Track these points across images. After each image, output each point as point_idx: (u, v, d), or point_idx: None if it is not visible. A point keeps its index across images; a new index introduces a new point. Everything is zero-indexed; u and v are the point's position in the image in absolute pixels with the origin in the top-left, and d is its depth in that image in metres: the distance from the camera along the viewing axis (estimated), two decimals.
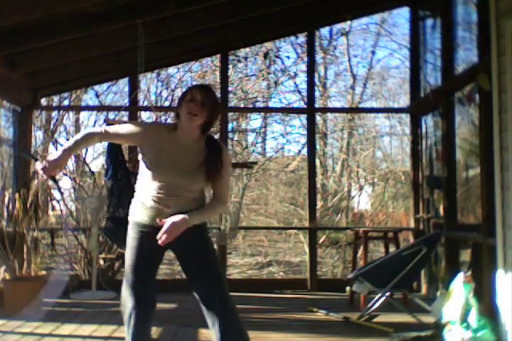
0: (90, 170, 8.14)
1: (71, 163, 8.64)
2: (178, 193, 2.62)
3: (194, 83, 9.48)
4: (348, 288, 5.08)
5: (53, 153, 2.53)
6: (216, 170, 2.63)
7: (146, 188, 2.69)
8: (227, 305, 2.68)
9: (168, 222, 2.54)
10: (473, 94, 4.64)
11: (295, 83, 9.94)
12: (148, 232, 2.65)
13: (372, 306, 4.51)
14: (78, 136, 2.64)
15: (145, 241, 2.68)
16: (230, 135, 9.18)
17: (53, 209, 8.09)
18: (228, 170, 2.74)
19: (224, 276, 2.83)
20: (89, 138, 2.66)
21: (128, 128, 2.70)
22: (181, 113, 2.61)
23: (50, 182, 2.50)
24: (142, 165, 2.74)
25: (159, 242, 2.54)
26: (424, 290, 5.71)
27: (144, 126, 2.76)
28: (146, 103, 8.55)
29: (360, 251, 5.77)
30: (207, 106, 2.59)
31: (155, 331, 4.03)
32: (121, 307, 2.75)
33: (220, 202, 2.72)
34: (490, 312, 3.75)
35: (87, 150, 8.71)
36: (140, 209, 2.71)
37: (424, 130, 6.00)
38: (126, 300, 2.71)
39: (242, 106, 9.23)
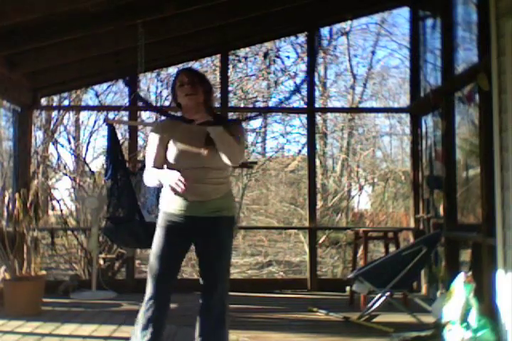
0: (90, 170, 8.15)
1: (71, 163, 8.66)
2: (201, 176, 2.69)
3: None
4: (348, 288, 5.08)
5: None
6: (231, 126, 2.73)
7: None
8: (213, 309, 2.78)
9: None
10: (472, 94, 4.64)
11: (295, 83, 9.93)
12: (176, 222, 2.75)
13: (372, 306, 4.51)
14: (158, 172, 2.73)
15: (173, 231, 2.76)
16: None
17: (53, 209, 8.09)
18: (241, 131, 2.82)
19: (223, 280, 2.82)
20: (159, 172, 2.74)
21: (152, 138, 2.82)
22: (180, 100, 2.78)
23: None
24: (169, 160, 2.79)
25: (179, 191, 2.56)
26: (424, 290, 5.71)
27: (157, 127, 2.90)
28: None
29: (360, 251, 5.77)
30: (198, 84, 2.76)
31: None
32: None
33: (239, 144, 2.74)
34: (490, 312, 3.75)
35: (87, 150, 8.73)
36: (169, 200, 2.77)
37: (424, 130, 6.00)
38: (148, 289, 2.76)
39: (242, 106, 9.22)
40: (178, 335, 4.01)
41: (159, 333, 2.77)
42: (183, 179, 2.54)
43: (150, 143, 2.82)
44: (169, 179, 2.58)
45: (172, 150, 2.75)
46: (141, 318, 2.75)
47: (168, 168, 2.76)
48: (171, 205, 2.77)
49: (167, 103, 9.09)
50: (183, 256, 2.88)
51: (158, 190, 3.35)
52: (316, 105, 7.36)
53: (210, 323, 2.81)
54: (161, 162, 2.79)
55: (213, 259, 2.80)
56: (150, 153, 2.81)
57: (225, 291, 2.83)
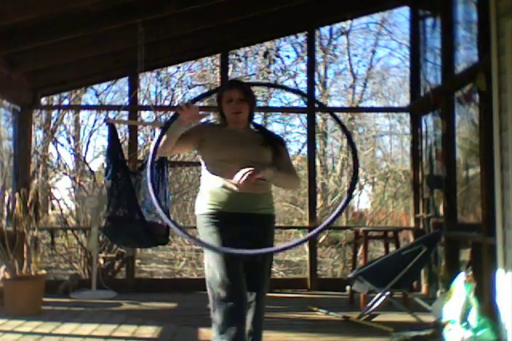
0: (90, 169, 8.16)
1: (71, 163, 8.67)
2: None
3: (194, 83, 9.50)
4: (348, 288, 5.08)
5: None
6: (279, 145, 2.87)
7: (215, 176, 2.75)
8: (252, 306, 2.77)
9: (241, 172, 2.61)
10: (471, 93, 4.64)
11: (295, 82, 9.94)
12: (224, 220, 2.71)
13: (372, 305, 4.51)
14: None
15: (225, 230, 2.71)
16: None
17: (53, 208, 8.10)
18: (287, 152, 2.95)
19: (263, 285, 2.87)
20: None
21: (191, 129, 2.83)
22: (226, 113, 2.84)
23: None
24: (207, 158, 2.82)
25: (239, 181, 2.57)
26: (424, 289, 5.71)
27: (200, 126, 2.94)
28: (146, 102, 8.55)
29: (360, 251, 5.76)
30: (245, 101, 2.81)
31: (155, 331, 4.05)
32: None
33: (293, 173, 2.88)
34: (490, 311, 3.75)
35: (87, 149, 8.73)
36: (211, 198, 2.74)
37: (424, 129, 6.00)
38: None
39: None
40: (178, 335, 4.01)
41: None
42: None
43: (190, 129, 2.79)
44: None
45: (218, 148, 2.76)
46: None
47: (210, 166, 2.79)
48: (211, 204, 2.76)
49: (167, 103, 9.10)
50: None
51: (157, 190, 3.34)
52: (316, 105, 7.35)
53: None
54: (172, 146, 2.69)
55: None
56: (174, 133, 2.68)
57: None
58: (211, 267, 2.67)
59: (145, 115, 8.47)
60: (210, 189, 2.75)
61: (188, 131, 2.75)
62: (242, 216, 2.71)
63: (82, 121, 9.32)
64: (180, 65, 8.62)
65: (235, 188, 2.67)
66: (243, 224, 2.71)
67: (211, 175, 2.77)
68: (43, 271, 4.99)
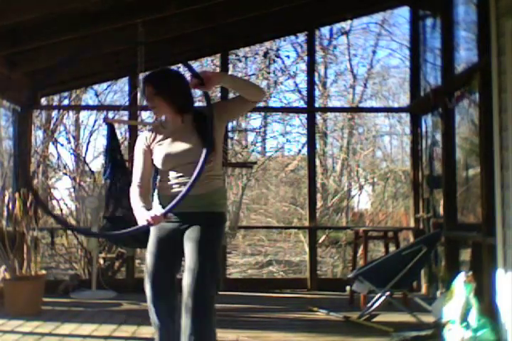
0: (90, 169, 8.15)
1: (71, 163, 8.66)
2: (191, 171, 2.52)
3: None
4: (348, 288, 5.08)
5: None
6: (214, 114, 2.58)
7: (165, 181, 2.70)
8: (189, 301, 2.54)
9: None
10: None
11: (295, 82, 9.94)
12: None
13: (372, 306, 4.51)
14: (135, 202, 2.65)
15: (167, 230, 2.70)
16: (230, 134, 9.17)
17: (53, 208, 8.09)
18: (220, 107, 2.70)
19: (204, 275, 2.56)
20: (143, 194, 2.68)
21: (137, 153, 2.75)
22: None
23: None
24: (157, 166, 2.74)
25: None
26: (424, 289, 5.71)
27: (139, 141, 2.80)
28: (145, 102, 8.54)
29: (360, 251, 5.77)
30: (159, 94, 2.61)
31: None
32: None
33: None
34: (490, 311, 3.75)
35: (87, 149, 8.73)
36: (161, 202, 2.70)
37: (424, 129, 6.00)
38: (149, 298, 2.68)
39: None
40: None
41: None
42: (149, 217, 2.50)
43: (136, 157, 2.74)
44: (140, 217, 2.56)
45: (159, 155, 2.68)
46: None
47: (158, 173, 2.74)
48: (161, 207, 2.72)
49: None
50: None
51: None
52: (316, 105, 7.36)
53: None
54: (148, 177, 2.74)
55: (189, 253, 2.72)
56: (137, 168, 2.72)
57: None
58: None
59: (145, 115, 8.46)
60: (162, 194, 2.75)
61: (142, 157, 2.71)
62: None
63: (82, 121, 9.32)
64: (180, 64, 8.60)
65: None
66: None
67: (162, 183, 2.75)
68: (43, 271, 5.00)
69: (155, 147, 2.71)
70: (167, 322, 2.69)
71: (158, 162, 2.70)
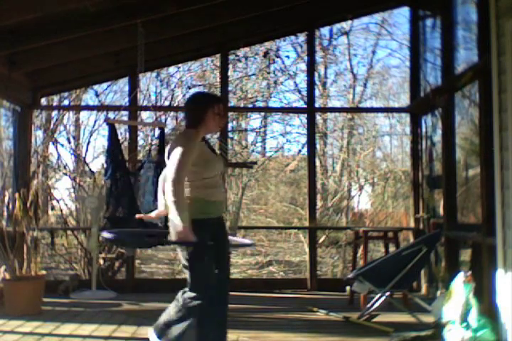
0: (90, 169, 8.16)
1: (71, 163, 8.67)
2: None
3: (194, 83, 9.49)
4: (348, 288, 5.07)
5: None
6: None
7: (210, 185, 2.96)
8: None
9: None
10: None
11: (295, 82, 9.94)
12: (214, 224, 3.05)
13: (372, 306, 4.51)
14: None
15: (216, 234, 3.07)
16: (230, 134, 9.18)
17: (53, 208, 8.10)
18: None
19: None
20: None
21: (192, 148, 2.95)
22: (209, 121, 2.99)
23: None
24: (199, 168, 2.94)
25: None
26: (424, 289, 5.71)
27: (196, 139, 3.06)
28: (146, 102, 8.55)
29: (360, 251, 5.76)
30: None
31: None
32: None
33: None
34: (490, 311, 3.75)
35: (87, 149, 8.73)
36: (208, 206, 2.97)
37: (424, 129, 6.00)
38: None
39: (241, 105, 9.22)
40: None
41: None
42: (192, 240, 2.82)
43: (190, 153, 2.87)
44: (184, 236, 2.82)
45: (207, 160, 2.97)
46: None
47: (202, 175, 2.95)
48: (210, 212, 3.02)
49: (167, 103, 9.09)
50: None
51: (155, 190, 3.35)
52: (316, 105, 7.35)
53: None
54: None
55: None
56: (187, 164, 2.87)
57: None
58: None
59: (145, 115, 8.46)
60: (208, 198, 2.99)
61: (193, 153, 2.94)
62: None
63: (82, 122, 9.31)
64: (180, 65, 8.61)
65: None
66: None
67: (205, 185, 2.98)
68: (43, 272, 4.99)
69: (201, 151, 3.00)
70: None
71: (206, 163, 2.98)
